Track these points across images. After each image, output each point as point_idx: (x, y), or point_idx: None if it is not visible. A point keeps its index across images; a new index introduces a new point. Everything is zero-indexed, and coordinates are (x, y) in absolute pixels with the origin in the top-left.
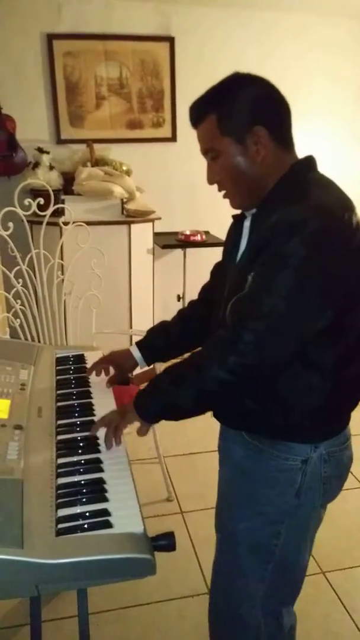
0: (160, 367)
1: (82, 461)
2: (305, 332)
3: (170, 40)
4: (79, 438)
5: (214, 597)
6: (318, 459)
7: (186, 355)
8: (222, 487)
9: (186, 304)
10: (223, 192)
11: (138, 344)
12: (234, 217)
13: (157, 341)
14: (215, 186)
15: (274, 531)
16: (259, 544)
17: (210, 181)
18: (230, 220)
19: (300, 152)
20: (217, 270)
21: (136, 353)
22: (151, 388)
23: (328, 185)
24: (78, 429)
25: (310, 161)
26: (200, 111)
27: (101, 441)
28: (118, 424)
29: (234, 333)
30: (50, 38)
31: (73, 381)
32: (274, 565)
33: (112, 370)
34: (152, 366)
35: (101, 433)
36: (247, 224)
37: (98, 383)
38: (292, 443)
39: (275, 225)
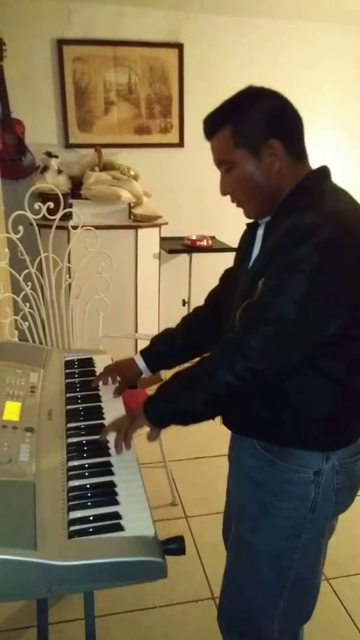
0: (165, 371)
1: (93, 464)
2: (313, 339)
3: (179, 46)
4: (89, 441)
5: (227, 607)
6: (330, 470)
7: (191, 362)
8: (234, 497)
9: (191, 309)
10: (236, 202)
11: (142, 352)
12: (248, 225)
13: (161, 349)
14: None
15: (291, 545)
16: (276, 556)
17: (224, 192)
18: (237, 226)
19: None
20: (227, 277)
21: (140, 362)
22: (161, 393)
23: (342, 195)
24: (88, 432)
25: (324, 171)
26: (215, 123)
27: (111, 445)
28: (128, 429)
29: (242, 338)
30: (60, 43)
31: (82, 385)
32: (291, 578)
33: (118, 379)
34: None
35: (111, 437)
36: (260, 232)
37: (106, 386)
38: (302, 452)
39: (288, 230)
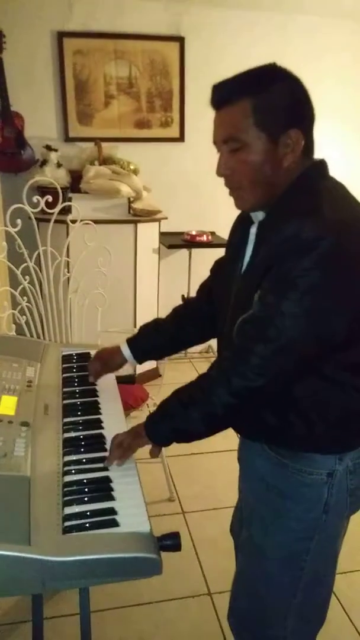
0: (163, 367)
1: (89, 459)
2: (314, 353)
3: (180, 40)
4: (85, 436)
5: (238, 607)
6: (344, 471)
7: (178, 354)
8: (245, 497)
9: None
10: (232, 187)
11: (129, 341)
12: (239, 218)
13: (149, 340)
14: (221, 186)
15: (304, 547)
16: (288, 558)
17: (222, 173)
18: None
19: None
20: (219, 269)
21: (126, 351)
22: (160, 412)
23: (341, 195)
24: (85, 427)
25: (322, 166)
26: (232, 92)
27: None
28: (129, 446)
29: (240, 356)
30: (61, 36)
31: (79, 379)
32: (305, 579)
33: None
34: (155, 366)
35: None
36: (253, 230)
37: (104, 382)
38: (315, 455)
39: (286, 242)
